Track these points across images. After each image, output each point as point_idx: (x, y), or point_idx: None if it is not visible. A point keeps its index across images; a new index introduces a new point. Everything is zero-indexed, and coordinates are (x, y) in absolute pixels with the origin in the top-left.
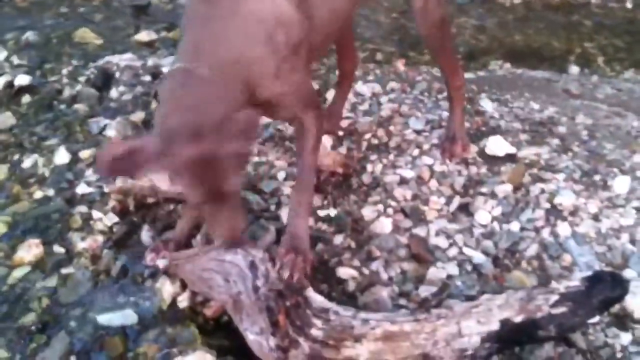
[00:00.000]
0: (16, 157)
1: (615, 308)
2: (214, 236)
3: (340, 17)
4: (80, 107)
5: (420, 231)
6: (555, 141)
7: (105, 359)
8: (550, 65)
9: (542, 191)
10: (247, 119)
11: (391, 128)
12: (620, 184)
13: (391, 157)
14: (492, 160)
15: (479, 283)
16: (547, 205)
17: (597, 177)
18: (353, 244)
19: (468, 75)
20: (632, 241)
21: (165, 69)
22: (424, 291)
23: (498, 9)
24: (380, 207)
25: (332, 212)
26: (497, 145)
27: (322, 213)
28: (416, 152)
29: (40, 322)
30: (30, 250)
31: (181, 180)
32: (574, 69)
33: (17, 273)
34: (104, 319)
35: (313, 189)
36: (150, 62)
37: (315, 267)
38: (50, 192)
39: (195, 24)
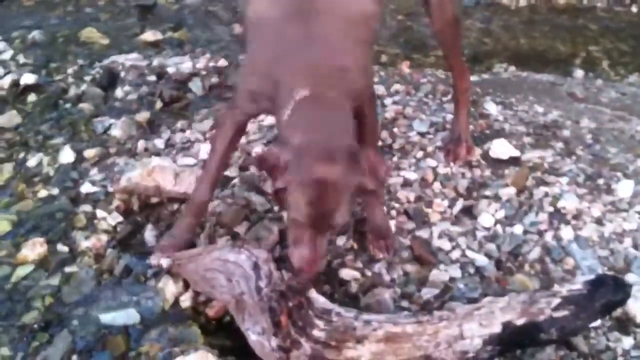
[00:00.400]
0: (21, 155)
1: (618, 312)
2: (292, 259)
3: None
4: (85, 106)
5: (423, 233)
6: (559, 145)
7: (108, 357)
8: (554, 68)
9: (546, 194)
10: (376, 159)
11: (395, 130)
12: (624, 188)
13: (395, 159)
14: (496, 163)
15: (481, 286)
16: (551, 209)
17: (600, 181)
18: (356, 246)
19: (473, 78)
20: (635, 245)
21: (170, 69)
22: (426, 293)
23: (503, 12)
24: (384, 209)
25: None
26: (501, 148)
27: None
28: (420, 154)
29: (43, 320)
30: (34, 249)
31: (297, 197)
32: (579, 73)
33: (21, 271)
34: (106, 318)
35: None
36: (156, 62)
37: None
38: (55, 191)
39: (297, 46)
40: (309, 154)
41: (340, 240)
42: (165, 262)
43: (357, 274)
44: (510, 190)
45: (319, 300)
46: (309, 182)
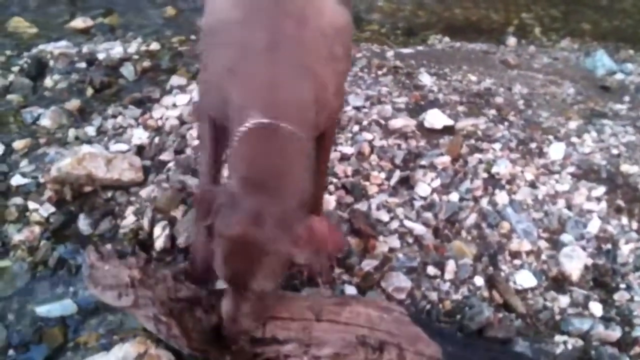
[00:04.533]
0: None
1: (553, 272)
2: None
3: None
4: (13, 97)
5: (361, 206)
6: (492, 112)
7: (45, 350)
8: (488, 37)
9: (480, 161)
10: (323, 231)
11: None
12: (556, 151)
13: None
14: (431, 133)
15: (420, 255)
16: (485, 175)
17: (533, 145)
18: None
19: (408, 50)
20: (569, 206)
21: (100, 55)
22: (367, 265)
23: None
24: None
25: None
26: (435, 118)
27: None
28: (356, 128)
29: None
30: None
31: (217, 250)
32: (512, 40)
33: None
34: (42, 310)
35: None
36: (86, 48)
37: None
38: None
39: (258, 58)
40: (240, 206)
41: None
42: None
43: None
44: (445, 159)
45: None
46: (228, 238)
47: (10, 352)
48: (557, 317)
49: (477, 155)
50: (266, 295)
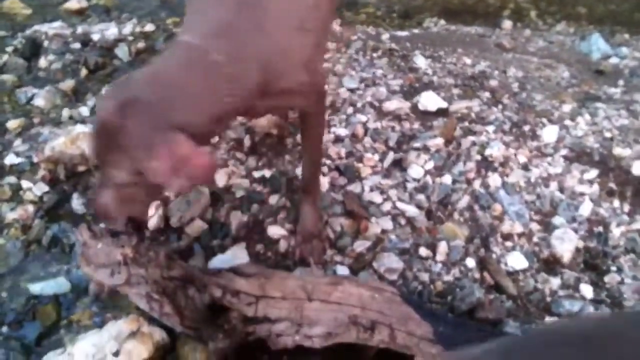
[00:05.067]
0: None
1: (545, 254)
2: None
3: None
4: (7, 77)
5: (354, 188)
6: (487, 94)
7: (38, 327)
8: (484, 21)
9: (473, 143)
10: (191, 154)
11: (325, 87)
12: (549, 134)
13: (325, 116)
14: (425, 116)
15: (412, 236)
16: (478, 157)
17: (526, 128)
18: (288, 204)
19: (403, 33)
20: (561, 189)
21: (95, 36)
22: (359, 246)
23: None
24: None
25: (267, 173)
26: (429, 101)
27: (257, 174)
28: (350, 110)
29: None
30: None
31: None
32: (507, 24)
33: None
34: (36, 288)
35: (320, 177)
36: (80, 29)
37: (251, 228)
38: None
39: (218, 2)
40: (122, 92)
41: (273, 199)
42: None
43: (285, 232)
44: (439, 141)
45: None
46: (96, 117)
47: (4, 329)
48: (548, 299)
49: (471, 138)
50: (121, 186)
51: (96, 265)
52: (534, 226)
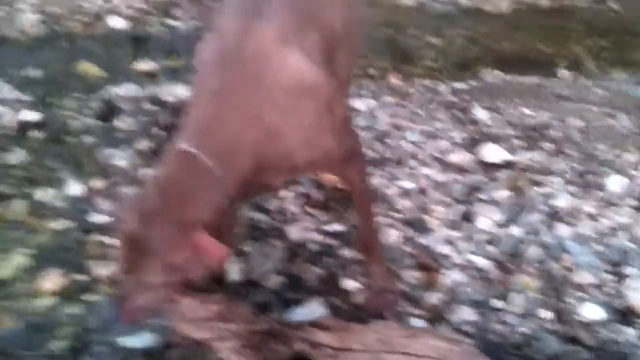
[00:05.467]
0: (30, 190)
1: (618, 304)
2: None
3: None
4: (87, 138)
5: (424, 240)
6: (549, 145)
7: None
8: (539, 69)
9: (539, 194)
10: (208, 245)
11: (388, 141)
12: (614, 183)
13: (390, 169)
14: (489, 167)
15: (484, 288)
16: (545, 208)
17: (591, 178)
18: (360, 257)
19: (460, 85)
20: (630, 238)
21: (166, 97)
22: (432, 298)
23: (487, 18)
24: (383, 219)
25: (339, 227)
26: (492, 153)
27: (328, 228)
28: (414, 163)
29: (68, 348)
30: (53, 280)
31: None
32: (564, 72)
33: (43, 302)
34: (127, 342)
35: (378, 234)
36: (152, 91)
37: (326, 281)
38: (66, 222)
39: (208, 98)
40: (140, 206)
41: (345, 253)
42: None
43: (359, 285)
44: (505, 193)
45: None
46: (120, 231)
47: None
48: (625, 350)
49: (536, 189)
50: (151, 287)
51: (186, 321)
52: (606, 276)
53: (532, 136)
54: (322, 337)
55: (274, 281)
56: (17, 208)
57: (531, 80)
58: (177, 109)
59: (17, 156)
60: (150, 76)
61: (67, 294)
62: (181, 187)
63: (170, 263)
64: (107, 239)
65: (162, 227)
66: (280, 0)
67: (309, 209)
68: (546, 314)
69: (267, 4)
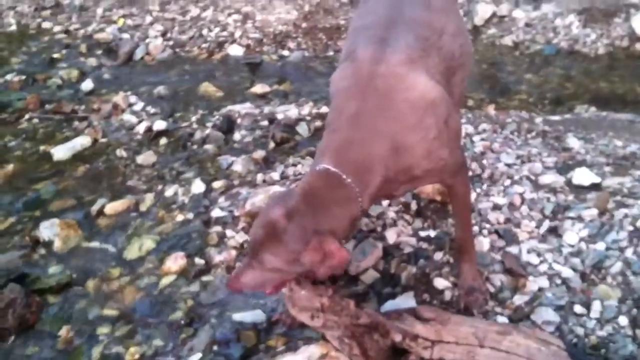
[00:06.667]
0: (159, 187)
1: None
2: None
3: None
4: (209, 147)
5: (513, 249)
6: (638, 172)
7: (242, 348)
8: (633, 109)
9: (626, 215)
10: (331, 250)
11: (484, 162)
12: None
13: (484, 186)
14: (579, 189)
15: (567, 295)
16: (631, 228)
17: None
18: (452, 260)
19: (555, 117)
20: None
21: (279, 116)
22: (518, 300)
23: (583, 59)
24: (476, 229)
25: (432, 233)
26: (583, 176)
27: (423, 234)
28: (508, 182)
29: (186, 318)
30: (176, 262)
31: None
32: None
33: (166, 280)
34: (238, 316)
35: (473, 240)
36: (266, 110)
37: (418, 279)
38: (190, 215)
39: (345, 122)
40: (287, 202)
41: (437, 256)
42: None
43: (449, 284)
44: (593, 212)
45: None
46: (263, 212)
47: (215, 347)
48: None
49: (623, 210)
50: (269, 270)
51: (300, 309)
52: None
53: (622, 164)
54: (419, 329)
55: (370, 276)
56: (148, 201)
57: (625, 116)
58: (288, 125)
59: (148, 158)
60: (264, 97)
61: (187, 275)
62: (323, 200)
63: (298, 259)
64: (226, 231)
65: (302, 227)
66: (405, 30)
67: (406, 216)
68: (624, 321)
69: (393, 34)
